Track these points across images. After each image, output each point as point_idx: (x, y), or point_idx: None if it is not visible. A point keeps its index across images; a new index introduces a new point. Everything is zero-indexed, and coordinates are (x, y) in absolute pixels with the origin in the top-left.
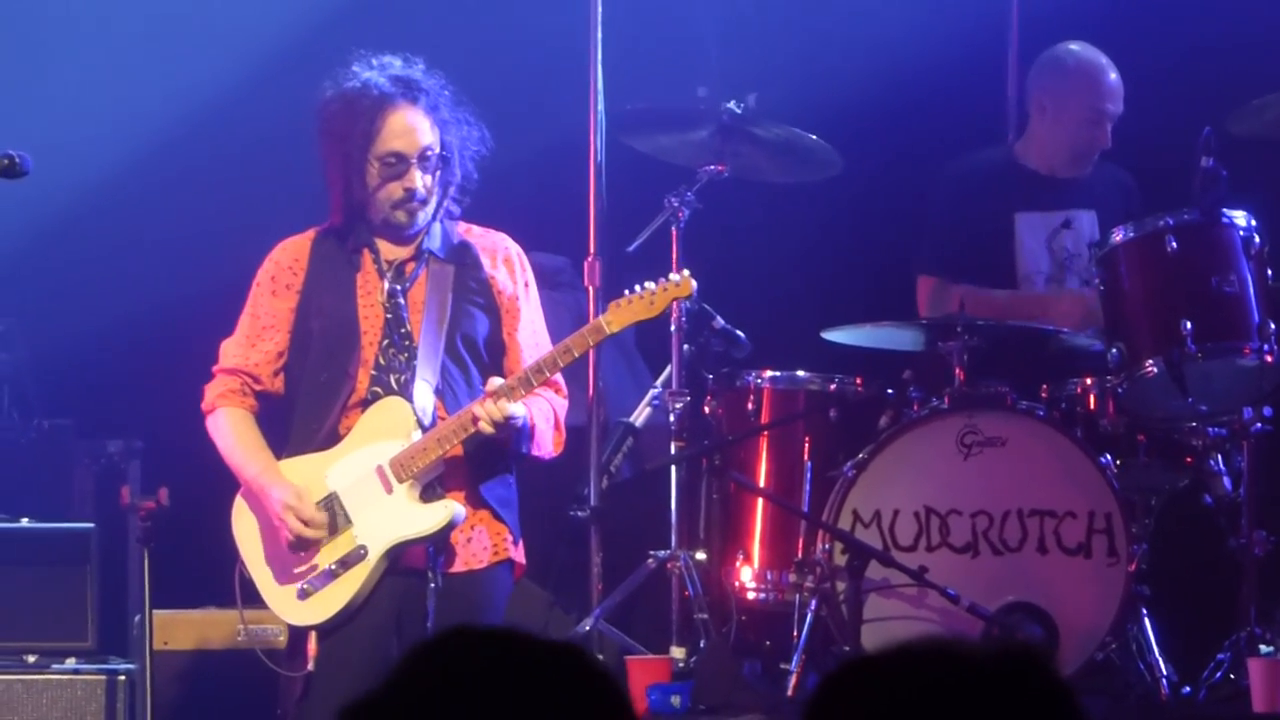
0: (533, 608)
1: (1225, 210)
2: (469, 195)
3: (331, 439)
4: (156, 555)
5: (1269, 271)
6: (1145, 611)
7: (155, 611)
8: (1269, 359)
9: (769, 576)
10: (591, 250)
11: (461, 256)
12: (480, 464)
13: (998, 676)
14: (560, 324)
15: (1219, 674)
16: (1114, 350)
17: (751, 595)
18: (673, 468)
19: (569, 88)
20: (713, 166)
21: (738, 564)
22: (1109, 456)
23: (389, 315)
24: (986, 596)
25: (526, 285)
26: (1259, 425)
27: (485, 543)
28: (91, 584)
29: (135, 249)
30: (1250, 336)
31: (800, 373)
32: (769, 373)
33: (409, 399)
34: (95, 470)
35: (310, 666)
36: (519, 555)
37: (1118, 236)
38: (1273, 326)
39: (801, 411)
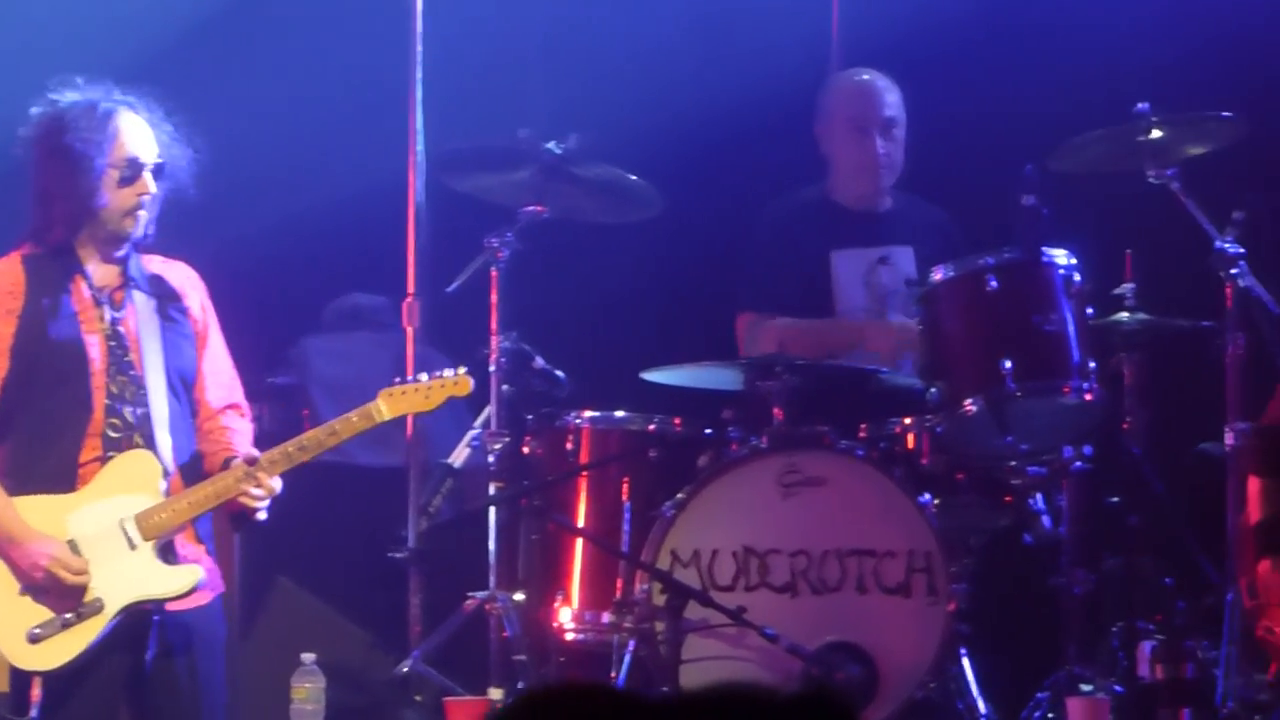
0: (352, 649)
1: (1046, 249)
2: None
3: (68, 472)
4: None
5: (1089, 309)
6: (965, 651)
7: None
8: (1089, 397)
9: (588, 617)
10: (410, 290)
11: (159, 287)
12: None
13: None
14: (379, 365)
15: (1038, 713)
16: (933, 389)
17: (570, 636)
18: (492, 508)
19: (390, 127)
20: (532, 207)
21: (557, 605)
22: (929, 495)
23: (112, 343)
24: (806, 636)
25: (211, 313)
26: (1079, 464)
27: (206, 579)
28: None
29: None
30: (1070, 375)
31: (619, 413)
32: (588, 413)
33: (149, 435)
34: None
35: (34, 713)
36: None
37: (938, 275)
38: (1093, 365)
39: (620, 452)
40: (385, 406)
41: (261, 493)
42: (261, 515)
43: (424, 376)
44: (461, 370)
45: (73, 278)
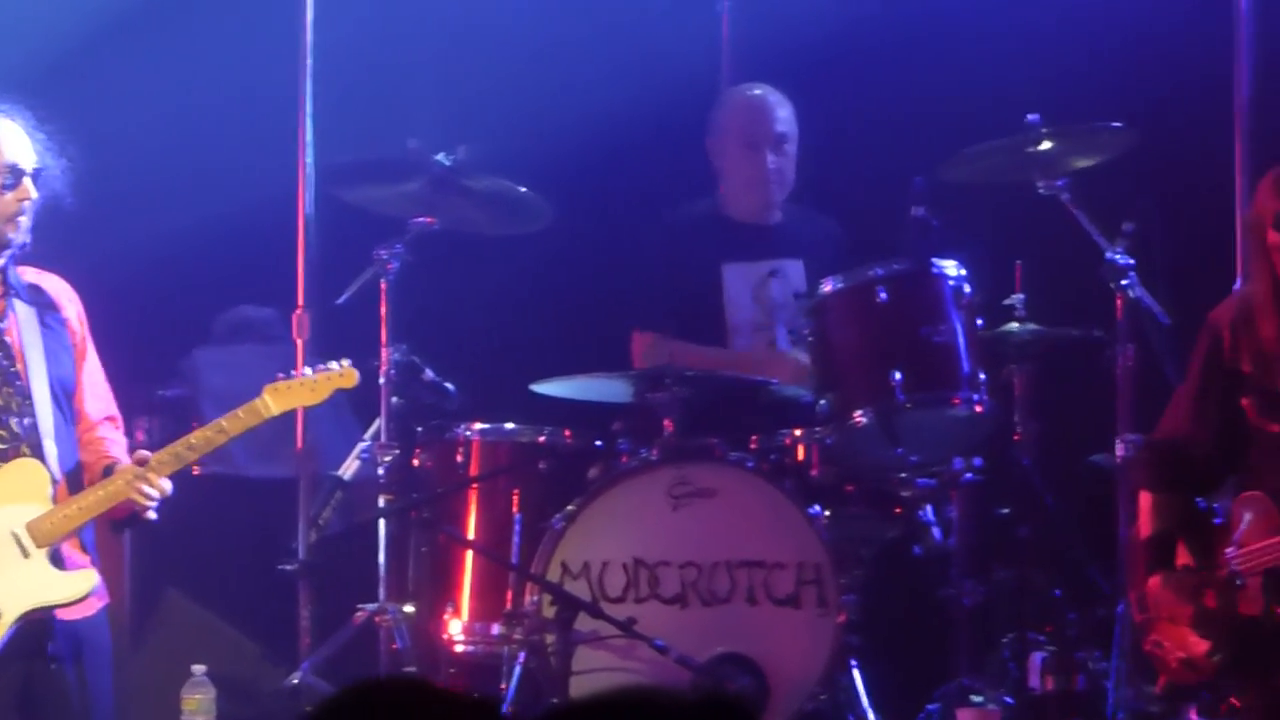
0: (242, 660)
1: (935, 260)
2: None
3: None
4: None
5: (979, 320)
6: (855, 662)
7: None
8: (979, 409)
9: (478, 629)
10: (300, 302)
11: (37, 297)
12: None
13: None
14: (268, 377)
15: None
16: (823, 401)
17: (460, 648)
18: (381, 521)
19: (280, 138)
20: (422, 219)
21: (446, 616)
22: (819, 507)
23: None
24: (696, 648)
25: (86, 324)
26: (969, 475)
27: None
28: None
29: None
30: (960, 386)
31: (509, 425)
32: (478, 425)
33: (36, 445)
34: None
35: None
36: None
37: (827, 287)
38: (983, 376)
39: (510, 464)
40: (272, 401)
41: (153, 493)
42: (151, 515)
43: (309, 370)
44: (346, 362)
45: None
